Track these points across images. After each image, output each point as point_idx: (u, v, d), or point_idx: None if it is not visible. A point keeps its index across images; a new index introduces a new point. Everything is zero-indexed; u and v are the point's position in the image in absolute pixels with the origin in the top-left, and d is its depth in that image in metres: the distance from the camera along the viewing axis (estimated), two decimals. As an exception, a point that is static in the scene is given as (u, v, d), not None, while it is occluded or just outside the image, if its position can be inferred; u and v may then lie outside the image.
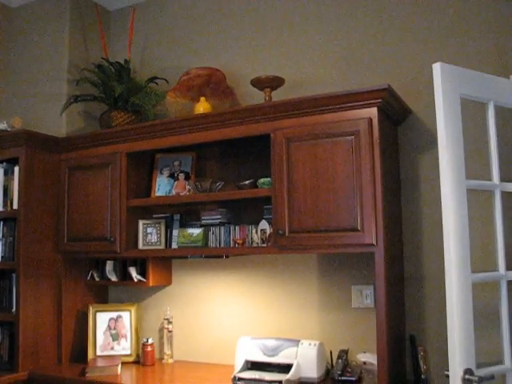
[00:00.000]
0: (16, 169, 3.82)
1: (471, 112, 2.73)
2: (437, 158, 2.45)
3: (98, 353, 3.87)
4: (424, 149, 3.24)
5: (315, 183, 2.98)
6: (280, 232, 3.05)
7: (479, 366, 2.37)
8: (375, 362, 2.93)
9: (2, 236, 3.91)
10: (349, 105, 2.95)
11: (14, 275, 3.83)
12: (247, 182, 3.38)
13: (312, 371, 3.15)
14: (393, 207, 3.09)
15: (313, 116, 3.05)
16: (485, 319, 2.83)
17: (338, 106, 2.98)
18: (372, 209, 2.83)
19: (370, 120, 2.87)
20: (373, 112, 2.88)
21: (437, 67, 2.46)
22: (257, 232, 3.39)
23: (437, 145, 2.46)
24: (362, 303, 3.32)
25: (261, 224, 3.37)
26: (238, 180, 3.47)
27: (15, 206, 3.81)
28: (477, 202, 2.77)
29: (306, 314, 3.49)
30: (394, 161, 3.23)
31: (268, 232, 3.31)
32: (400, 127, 3.31)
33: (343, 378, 3.13)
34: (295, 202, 3.03)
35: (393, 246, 3.02)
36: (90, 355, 3.86)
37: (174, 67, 4.02)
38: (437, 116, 2.45)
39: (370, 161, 2.85)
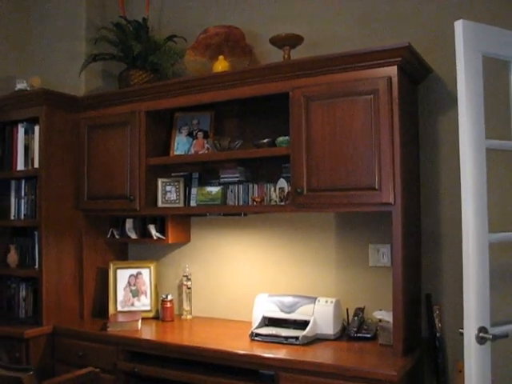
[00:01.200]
0: (36, 128, 3.87)
1: (493, 70, 2.69)
2: (456, 118, 2.42)
3: (119, 308, 3.96)
4: (444, 108, 3.21)
5: (333, 142, 2.98)
6: (298, 190, 3.07)
7: (493, 324, 2.39)
8: (391, 320, 2.97)
9: (24, 195, 3.98)
10: (368, 63, 2.92)
11: (36, 233, 3.91)
12: (265, 140, 3.38)
13: (328, 328, 3.20)
14: (411, 167, 3.09)
15: (332, 74, 3.03)
16: (501, 279, 2.85)
17: (357, 65, 2.96)
18: (390, 168, 2.84)
19: (390, 79, 2.84)
20: (392, 71, 2.85)
21: (459, 25, 2.41)
22: (275, 190, 3.41)
23: (457, 104, 2.42)
24: (379, 262, 3.35)
25: (279, 182, 3.39)
26: (257, 139, 3.47)
27: (36, 165, 3.87)
28: (496, 163, 2.75)
29: (323, 272, 3.53)
30: (413, 120, 3.21)
31: (286, 190, 3.33)
32: (420, 86, 3.28)
33: (359, 334, 3.19)
34: (313, 160, 3.03)
35: (410, 205, 3.03)
36: (111, 311, 3.94)
37: (192, 26, 3.98)
38: (457, 74, 2.41)
39: (389, 120, 2.84)
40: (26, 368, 2.44)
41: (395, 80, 2.84)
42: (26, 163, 3.96)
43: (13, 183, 4.05)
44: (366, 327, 3.23)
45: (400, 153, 2.84)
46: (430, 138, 3.25)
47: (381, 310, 3.18)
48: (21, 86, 3.94)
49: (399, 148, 2.84)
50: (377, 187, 2.87)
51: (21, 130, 3.97)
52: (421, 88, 3.28)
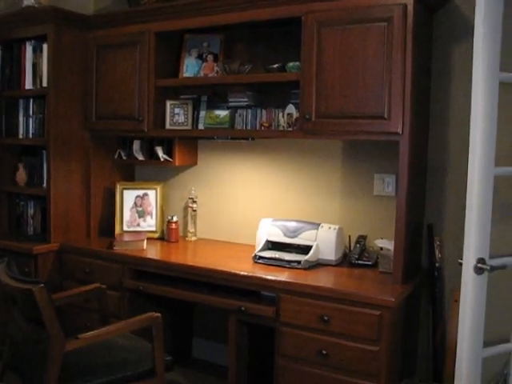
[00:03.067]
0: (44, 46, 3.82)
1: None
2: (471, 50, 2.37)
3: (125, 228, 4.04)
4: (459, 39, 3.14)
5: (344, 69, 2.95)
6: (306, 116, 3.06)
7: (492, 256, 2.43)
8: (392, 248, 3.02)
9: (32, 113, 3.99)
10: (383, -11, 2.85)
11: (44, 152, 3.94)
12: (276, 65, 3.34)
13: (330, 254, 3.26)
14: (421, 98, 3.06)
15: (346, 0, 2.97)
16: (502, 215, 2.88)
17: (372, -10, 2.89)
18: (400, 97, 2.82)
19: (405, 6, 2.78)
20: (409, -2, 2.79)
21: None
22: (283, 116, 3.40)
23: (473, 35, 2.37)
24: (384, 191, 3.37)
25: (288, 108, 3.37)
26: (267, 63, 3.42)
27: (44, 84, 3.85)
28: (509, 97, 2.73)
29: (327, 200, 3.57)
30: (427, 51, 3.16)
31: (294, 116, 3.32)
32: (436, 15, 3.20)
33: (360, 261, 3.25)
34: (323, 87, 3.01)
35: (418, 136, 3.02)
36: (117, 230, 4.02)
37: None
38: (476, 2, 2.35)
39: (402, 49, 2.80)
40: (37, 281, 2.51)
41: (411, 8, 2.77)
42: (34, 82, 3.95)
43: (21, 102, 4.06)
44: (367, 255, 3.29)
45: (411, 83, 2.81)
46: (443, 70, 3.20)
47: (382, 238, 3.22)
48: (28, 2, 3.87)
49: (410, 78, 2.81)
50: (386, 116, 2.86)
51: (29, 49, 3.94)
52: (436, 17, 3.20)
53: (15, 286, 2.54)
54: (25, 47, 3.95)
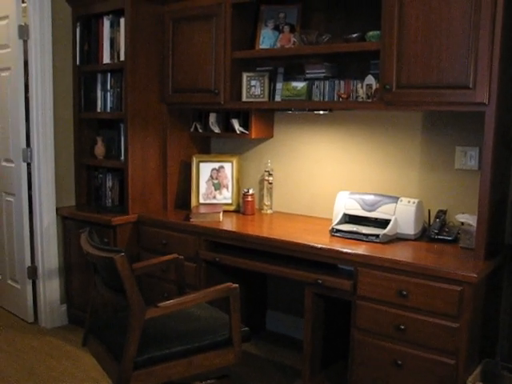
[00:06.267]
0: (122, 20, 3.87)
1: None
2: None
3: (201, 201, 4.07)
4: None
5: (427, 38, 2.84)
6: (387, 87, 2.98)
7: None
8: (474, 224, 2.93)
9: (110, 87, 4.06)
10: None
11: (121, 125, 4.01)
12: (355, 35, 3.25)
13: (409, 228, 3.18)
14: (509, 68, 2.92)
15: (429, -36, 2.85)
16: None
17: (459, -48, 2.75)
18: (487, 66, 2.68)
19: (496, -30, 2.63)
20: (500, -42, 2.63)
21: None
22: (362, 87, 3.31)
23: None
24: (466, 165, 3.26)
25: (367, 79, 3.28)
26: (345, 33, 3.35)
27: (122, 58, 3.91)
28: None
29: (406, 173, 3.48)
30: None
31: (374, 87, 3.23)
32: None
33: (439, 236, 3.16)
34: (405, 56, 2.91)
35: (505, 107, 2.88)
36: (194, 203, 4.06)
37: None
38: None
39: (491, 16, 2.64)
40: (117, 250, 2.56)
41: (502, -29, 2.63)
42: (111, 56, 4.01)
43: (99, 76, 4.13)
44: (447, 230, 3.19)
45: (500, 52, 2.67)
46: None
47: (463, 213, 3.13)
48: (106, -23, 3.92)
49: (499, 46, 2.66)
50: (471, 86, 2.74)
51: (106, 23, 4.00)
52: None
53: (97, 254, 2.61)
54: (102, 22, 4.01)
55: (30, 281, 4.32)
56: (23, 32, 4.03)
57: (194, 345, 2.67)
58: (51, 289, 4.27)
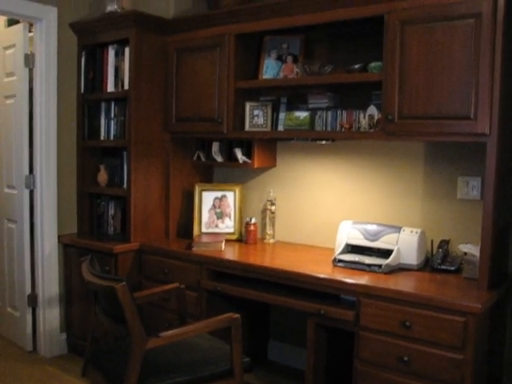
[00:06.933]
0: (126, 50, 3.91)
1: None
2: None
3: (203, 230, 4.07)
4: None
5: (428, 68, 2.87)
6: (389, 117, 3.00)
7: None
8: (477, 254, 2.92)
9: (114, 116, 4.08)
10: (472, -18, 2.75)
11: (124, 153, 4.02)
12: (357, 65, 3.28)
13: (412, 258, 3.17)
14: (510, 98, 2.94)
15: (430, -3, 2.89)
16: None
17: (458, -14, 2.79)
18: (488, 98, 2.71)
19: (495, 1, 2.65)
20: (499, -8, 2.67)
21: None
22: (364, 117, 3.33)
23: None
24: (468, 194, 3.26)
25: (369, 109, 3.30)
26: (348, 64, 3.38)
27: (126, 87, 3.93)
28: None
29: (409, 202, 3.48)
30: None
31: (376, 117, 3.26)
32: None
33: (442, 266, 3.15)
34: (406, 86, 2.94)
35: (506, 137, 2.90)
36: (196, 232, 4.05)
37: None
38: None
39: (491, 47, 2.68)
40: (119, 279, 2.56)
41: (501, 2, 2.65)
42: (115, 85, 4.04)
43: (103, 104, 4.16)
44: (449, 260, 3.18)
45: (500, 82, 2.70)
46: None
47: (466, 243, 3.12)
48: (111, 7, 3.96)
49: (499, 77, 2.69)
50: (472, 116, 2.76)
51: (111, 52, 4.03)
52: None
53: (98, 283, 2.60)
54: (107, 51, 4.05)
55: (30, 309, 4.29)
56: (29, 60, 4.07)
57: (194, 376, 2.65)
58: (51, 317, 4.23)
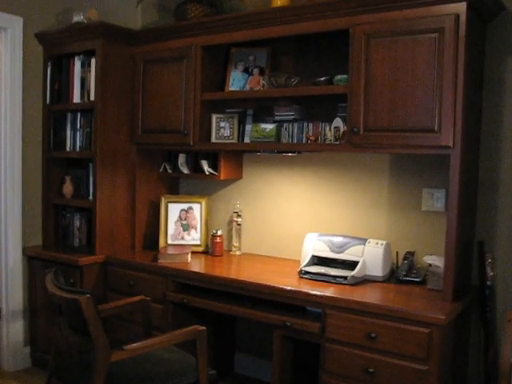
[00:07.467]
0: (93, 60, 3.88)
1: None
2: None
3: (169, 242, 4.05)
4: (512, 50, 3.07)
5: (393, 82, 2.90)
6: (354, 130, 3.02)
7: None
8: (441, 265, 2.95)
9: (80, 127, 4.04)
10: (435, -1, 2.80)
11: (90, 165, 3.98)
12: (323, 78, 3.31)
13: (377, 270, 3.20)
14: (473, 111, 2.99)
15: (395, 11, 2.92)
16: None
17: (422, 1, 2.83)
18: (451, 111, 2.75)
19: (457, 17, 2.71)
20: (461, 8, 2.71)
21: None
22: (330, 129, 3.35)
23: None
24: (432, 206, 3.30)
25: (335, 121, 3.33)
26: (314, 76, 3.40)
27: (92, 98, 3.90)
28: None
29: (374, 214, 3.51)
30: (479, 62, 3.08)
31: (342, 130, 3.28)
32: (489, 25, 3.11)
33: (407, 278, 3.18)
34: (371, 99, 2.97)
35: (469, 150, 2.95)
36: (162, 243, 4.03)
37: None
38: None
39: (454, 61, 2.73)
40: (83, 291, 2.52)
41: (463, 18, 2.70)
42: (82, 96, 4.00)
43: (69, 115, 4.11)
44: (415, 271, 3.21)
45: (463, 95, 2.74)
46: (496, 82, 3.11)
47: (431, 254, 3.15)
48: (78, 18, 3.93)
49: (462, 90, 2.74)
50: (436, 129, 2.80)
51: (77, 63, 4.00)
52: (490, 27, 3.11)
53: (62, 295, 2.56)
54: (73, 62, 4.01)
55: (-7, 322, 4.21)
56: (-7, 71, 4.01)
57: (160, 388, 2.63)
58: (15, 330, 4.15)
